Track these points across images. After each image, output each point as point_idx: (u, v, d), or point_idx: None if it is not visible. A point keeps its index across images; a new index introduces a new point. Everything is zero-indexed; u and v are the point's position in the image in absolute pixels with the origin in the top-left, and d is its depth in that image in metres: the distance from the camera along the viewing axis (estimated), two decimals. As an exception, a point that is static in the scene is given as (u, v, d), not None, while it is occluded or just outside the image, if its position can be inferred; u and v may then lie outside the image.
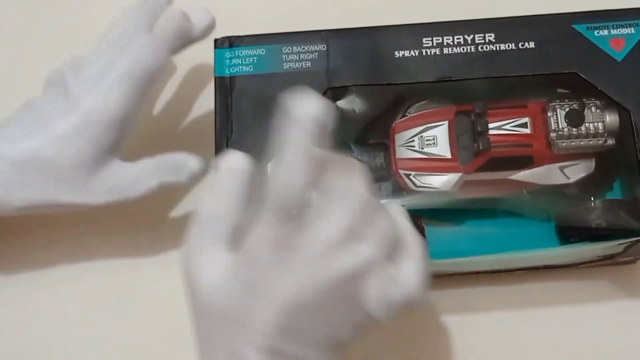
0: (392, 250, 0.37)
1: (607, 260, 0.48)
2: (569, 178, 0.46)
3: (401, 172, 0.47)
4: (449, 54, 0.45)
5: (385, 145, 0.47)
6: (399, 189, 0.48)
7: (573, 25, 0.45)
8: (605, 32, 0.45)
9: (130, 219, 0.54)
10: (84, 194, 0.45)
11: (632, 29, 0.45)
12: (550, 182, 0.46)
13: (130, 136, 0.46)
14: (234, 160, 0.39)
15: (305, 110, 0.34)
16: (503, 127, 0.46)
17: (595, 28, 0.45)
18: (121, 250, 0.54)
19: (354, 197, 0.36)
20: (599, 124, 0.44)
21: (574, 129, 0.44)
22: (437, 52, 0.45)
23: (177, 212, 0.52)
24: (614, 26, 0.45)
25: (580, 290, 0.51)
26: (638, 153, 0.43)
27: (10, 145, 0.44)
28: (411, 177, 0.47)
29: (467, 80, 0.45)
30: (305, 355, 0.36)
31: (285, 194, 0.34)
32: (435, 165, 0.47)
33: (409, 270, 0.37)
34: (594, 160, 0.46)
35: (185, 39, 0.46)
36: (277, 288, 0.35)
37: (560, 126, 0.45)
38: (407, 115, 0.48)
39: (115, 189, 0.45)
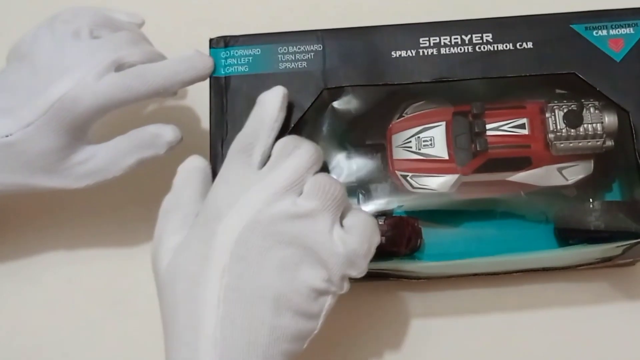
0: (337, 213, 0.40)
1: (606, 262, 0.48)
2: (567, 180, 0.46)
3: (398, 173, 0.47)
4: (446, 54, 0.45)
5: (382, 146, 0.47)
6: (396, 190, 0.47)
7: (571, 26, 0.45)
8: (604, 32, 0.45)
9: (126, 216, 0.54)
10: (61, 179, 0.45)
11: (632, 29, 0.45)
12: (548, 183, 0.46)
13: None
14: (190, 162, 0.43)
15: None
16: (501, 128, 0.45)
17: (594, 28, 0.45)
18: (116, 249, 0.54)
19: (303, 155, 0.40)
20: (598, 125, 0.44)
21: (572, 130, 0.44)
22: (435, 52, 0.45)
23: None
24: (613, 26, 0.45)
25: (579, 292, 0.51)
26: (637, 154, 0.43)
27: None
28: (408, 178, 0.47)
29: (464, 80, 0.45)
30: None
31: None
32: (433, 166, 0.46)
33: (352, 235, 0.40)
34: (592, 161, 0.46)
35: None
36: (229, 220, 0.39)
37: (558, 127, 0.44)
38: (404, 116, 0.48)
39: (93, 172, 0.46)
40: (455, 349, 0.51)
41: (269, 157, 0.41)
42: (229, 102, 0.46)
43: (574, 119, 0.44)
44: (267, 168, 0.41)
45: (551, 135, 0.44)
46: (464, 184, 0.46)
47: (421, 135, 0.47)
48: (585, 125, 0.44)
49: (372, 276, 0.42)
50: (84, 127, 0.45)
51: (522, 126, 0.45)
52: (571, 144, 0.44)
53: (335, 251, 0.39)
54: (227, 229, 0.39)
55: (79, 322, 0.53)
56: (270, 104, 0.43)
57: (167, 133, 0.45)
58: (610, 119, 0.44)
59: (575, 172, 0.46)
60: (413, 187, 0.47)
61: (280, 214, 0.39)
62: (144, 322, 0.50)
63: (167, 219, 0.42)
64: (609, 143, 0.44)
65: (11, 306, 0.53)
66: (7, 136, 0.43)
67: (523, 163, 0.45)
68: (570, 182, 0.46)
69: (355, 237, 0.40)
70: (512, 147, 0.45)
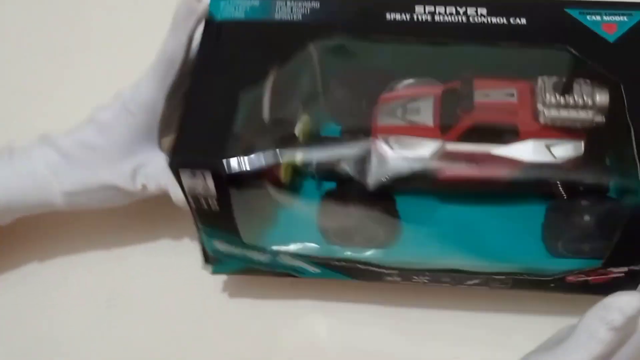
0: None
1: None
2: (555, 157, 0.44)
3: (380, 136, 0.45)
4: (440, 22, 0.45)
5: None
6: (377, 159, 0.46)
7: (565, 9, 0.45)
8: (598, 17, 0.45)
9: (123, 215, 0.53)
10: (122, 176, 0.47)
11: (625, 17, 0.45)
12: (535, 158, 0.44)
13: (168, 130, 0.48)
14: None
15: None
16: (489, 95, 0.44)
17: (588, 13, 0.45)
18: (113, 248, 0.54)
19: None
20: (588, 97, 0.43)
21: (561, 99, 0.43)
22: (429, 19, 0.45)
23: (172, 211, 0.49)
24: (606, 14, 0.45)
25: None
26: (630, 122, 0.41)
27: (63, 136, 0.48)
28: (389, 141, 0.45)
29: (458, 45, 0.44)
30: None
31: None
32: (416, 131, 0.45)
33: None
34: (583, 142, 0.44)
35: (197, 17, 0.46)
36: None
37: (547, 95, 0.43)
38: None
39: (144, 175, 0.48)
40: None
41: None
42: (220, 45, 0.46)
43: (564, 87, 0.43)
44: None
45: (539, 105, 0.43)
46: (448, 155, 0.44)
47: (408, 105, 0.46)
48: (575, 96, 0.43)
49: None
50: (151, 124, 0.47)
51: (511, 95, 0.44)
52: (560, 113, 0.43)
53: None
54: None
55: (78, 323, 0.53)
56: None
57: None
58: (602, 97, 0.43)
59: (564, 151, 0.44)
60: (394, 150, 0.45)
61: None
62: (141, 323, 0.52)
63: None
64: (600, 118, 0.43)
65: (9, 306, 0.53)
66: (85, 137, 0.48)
67: (510, 134, 0.44)
68: (558, 160, 0.44)
69: None
70: (499, 112, 0.44)
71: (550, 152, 0.44)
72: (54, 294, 0.54)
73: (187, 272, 0.52)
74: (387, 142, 0.45)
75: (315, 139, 0.48)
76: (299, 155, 0.45)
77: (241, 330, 0.52)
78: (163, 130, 0.48)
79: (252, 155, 0.41)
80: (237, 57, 0.45)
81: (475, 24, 0.45)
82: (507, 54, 0.45)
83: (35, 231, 0.54)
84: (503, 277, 0.46)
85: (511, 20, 0.45)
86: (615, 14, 0.45)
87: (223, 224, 0.44)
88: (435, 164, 0.44)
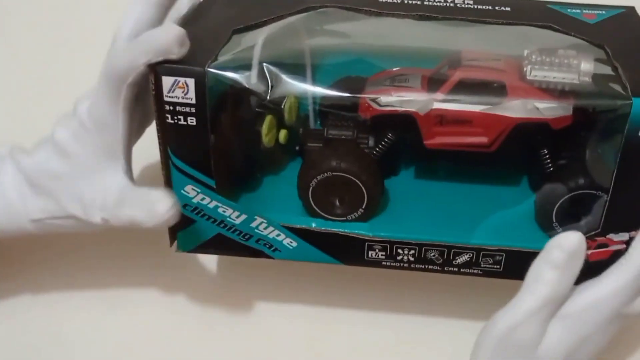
0: None
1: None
2: (544, 115, 0.43)
3: (367, 98, 0.44)
4: (428, 5, 0.47)
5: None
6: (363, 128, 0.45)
7: (548, 6, 0.48)
8: (578, 10, 0.47)
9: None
10: (84, 208, 0.44)
11: (603, 11, 0.47)
12: (524, 115, 0.43)
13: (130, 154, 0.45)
14: None
15: None
16: (476, 60, 0.45)
17: (569, 7, 0.47)
18: (115, 253, 0.54)
19: None
20: (574, 60, 0.43)
21: (547, 59, 0.43)
22: (418, 3, 0.47)
23: None
24: (586, 8, 0.47)
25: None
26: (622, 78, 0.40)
27: (25, 157, 0.45)
28: (376, 100, 0.44)
29: (448, 19, 0.46)
30: None
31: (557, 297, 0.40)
32: (405, 90, 0.44)
33: None
34: (572, 106, 0.43)
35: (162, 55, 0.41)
36: None
37: (534, 56, 0.43)
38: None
39: (103, 206, 0.43)
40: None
41: None
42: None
43: (549, 50, 0.43)
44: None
45: (526, 66, 0.43)
46: (435, 116, 0.44)
47: (396, 77, 0.46)
48: (560, 58, 0.43)
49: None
50: (110, 143, 0.43)
51: (498, 60, 0.45)
52: (546, 73, 0.43)
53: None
54: None
55: (78, 321, 0.53)
56: None
57: (162, 205, 0.42)
58: (586, 66, 0.43)
59: (553, 110, 0.43)
60: (380, 105, 0.44)
61: None
62: (143, 324, 0.53)
63: (546, 307, 0.40)
64: (586, 79, 0.43)
65: (11, 308, 0.54)
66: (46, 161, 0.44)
67: (498, 91, 0.43)
68: (547, 116, 0.43)
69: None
70: (487, 71, 0.43)
71: (539, 110, 0.43)
72: (55, 296, 0.54)
73: (188, 273, 0.53)
74: (374, 101, 0.44)
75: (301, 118, 0.48)
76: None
77: (242, 330, 0.52)
78: (128, 147, 0.44)
79: (236, 73, 0.41)
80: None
81: (462, 8, 0.47)
82: (493, 31, 0.46)
83: (38, 240, 0.52)
84: (495, 252, 0.43)
85: (496, 7, 0.47)
86: (594, 9, 0.47)
87: (198, 147, 0.41)
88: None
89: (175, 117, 0.41)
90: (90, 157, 0.43)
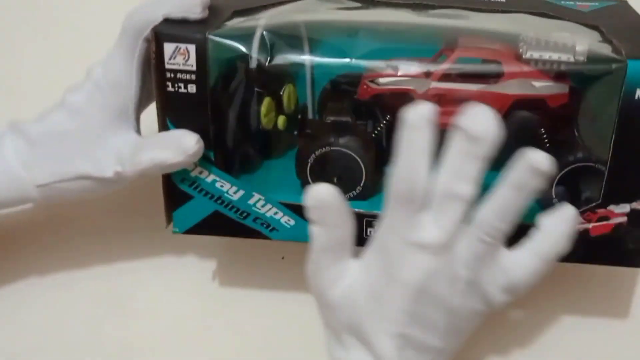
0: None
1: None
2: (540, 92, 0.43)
3: (365, 79, 0.45)
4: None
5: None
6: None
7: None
8: (572, 2, 0.48)
9: (126, 222, 0.54)
10: (96, 164, 0.44)
11: (596, 2, 0.48)
12: (520, 92, 0.43)
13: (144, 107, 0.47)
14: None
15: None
16: (472, 42, 0.45)
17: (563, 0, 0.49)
18: (117, 255, 0.54)
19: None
20: (569, 41, 0.44)
21: (542, 41, 0.44)
22: (415, -4, 0.49)
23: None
24: (579, 2, 0.49)
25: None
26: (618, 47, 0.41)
27: (32, 124, 0.46)
28: (375, 80, 0.45)
29: (444, 8, 0.47)
30: (428, 341, 0.41)
31: (407, 187, 0.39)
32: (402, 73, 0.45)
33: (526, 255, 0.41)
34: (568, 85, 0.44)
35: (183, 11, 0.43)
36: (404, 276, 0.40)
37: (529, 37, 0.44)
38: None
39: (119, 159, 0.44)
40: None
41: None
42: None
43: (545, 32, 0.44)
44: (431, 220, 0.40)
45: (522, 46, 0.44)
46: (434, 95, 0.44)
47: (392, 63, 0.47)
48: (556, 40, 0.44)
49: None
50: (123, 103, 0.44)
51: (494, 43, 0.45)
52: (542, 53, 0.43)
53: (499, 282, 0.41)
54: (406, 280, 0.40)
55: (79, 323, 0.53)
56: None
57: (188, 140, 0.42)
58: (580, 47, 0.44)
59: (550, 89, 0.43)
60: (379, 85, 0.44)
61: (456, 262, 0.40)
62: (144, 324, 0.53)
63: (322, 254, 0.41)
64: (581, 58, 0.43)
65: (13, 309, 0.54)
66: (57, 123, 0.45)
67: (495, 72, 0.44)
68: (543, 92, 0.43)
69: (521, 268, 0.41)
70: (483, 51, 0.44)
71: (535, 88, 0.44)
72: (57, 303, 0.53)
73: (189, 273, 0.53)
74: (372, 81, 0.45)
75: (299, 107, 0.49)
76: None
77: (243, 329, 0.52)
78: (139, 109, 0.45)
79: (237, 41, 0.41)
80: None
81: (458, -1, 0.48)
82: (489, 18, 0.47)
83: (37, 234, 0.54)
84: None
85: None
86: (587, 0, 0.49)
87: (197, 117, 0.42)
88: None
89: (176, 85, 0.41)
90: (104, 117, 0.44)
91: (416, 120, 0.38)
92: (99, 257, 0.54)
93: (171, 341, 0.52)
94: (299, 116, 0.48)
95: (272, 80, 0.46)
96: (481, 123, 0.38)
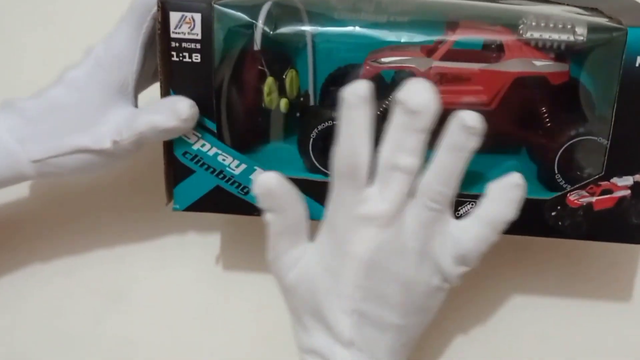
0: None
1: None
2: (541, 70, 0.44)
3: (368, 61, 0.45)
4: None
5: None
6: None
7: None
8: (570, -7, 0.49)
9: (126, 212, 0.54)
10: (94, 136, 0.44)
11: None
12: (520, 69, 0.43)
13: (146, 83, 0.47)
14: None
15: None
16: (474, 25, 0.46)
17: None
18: (117, 245, 0.54)
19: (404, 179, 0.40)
20: (568, 23, 0.44)
21: (542, 22, 0.44)
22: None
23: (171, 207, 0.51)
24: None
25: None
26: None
27: (28, 100, 0.46)
28: (377, 60, 0.45)
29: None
30: (386, 317, 0.41)
31: (350, 163, 0.40)
32: (404, 52, 0.45)
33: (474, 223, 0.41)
34: (569, 65, 0.44)
35: None
36: (354, 250, 0.40)
37: (528, 19, 0.45)
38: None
39: (116, 130, 0.44)
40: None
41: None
42: None
43: (544, 14, 0.45)
44: (376, 194, 0.40)
45: (522, 28, 0.44)
46: (435, 74, 0.44)
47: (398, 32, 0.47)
48: (555, 21, 0.45)
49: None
50: (123, 79, 0.44)
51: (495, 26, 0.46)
52: (542, 33, 0.44)
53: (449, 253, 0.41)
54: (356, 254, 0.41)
55: (79, 317, 0.53)
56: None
57: (182, 104, 0.42)
58: (579, 29, 0.45)
59: (549, 67, 0.44)
60: (381, 63, 0.45)
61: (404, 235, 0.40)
62: (144, 317, 0.53)
63: (278, 239, 0.43)
64: (581, 38, 0.44)
65: (13, 304, 0.54)
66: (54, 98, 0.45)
67: (496, 51, 0.44)
68: (542, 70, 0.43)
69: (469, 236, 0.41)
70: (484, 31, 0.45)
71: (536, 66, 0.44)
72: (57, 292, 0.53)
73: (189, 269, 0.53)
74: (375, 61, 0.45)
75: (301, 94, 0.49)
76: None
77: (244, 325, 0.52)
78: (138, 87, 0.45)
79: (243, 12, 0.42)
80: None
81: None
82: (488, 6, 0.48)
83: (38, 230, 0.54)
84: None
85: (488, -8, 0.49)
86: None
87: (201, 87, 0.42)
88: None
89: (181, 55, 0.42)
90: (103, 92, 0.44)
91: (353, 99, 0.39)
92: (97, 248, 0.54)
93: (170, 332, 0.52)
94: (301, 99, 0.48)
95: (275, 61, 0.47)
96: (419, 96, 0.39)
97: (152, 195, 0.48)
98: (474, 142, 0.39)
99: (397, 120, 0.40)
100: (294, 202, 0.42)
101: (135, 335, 0.53)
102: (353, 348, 0.41)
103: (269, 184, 0.41)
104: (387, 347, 0.42)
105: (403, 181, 0.40)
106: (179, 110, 0.41)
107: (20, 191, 0.53)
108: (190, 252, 0.54)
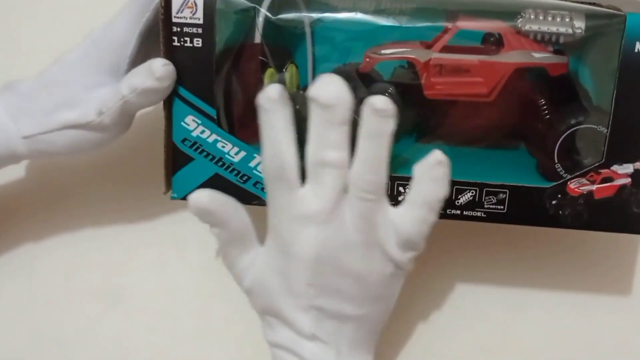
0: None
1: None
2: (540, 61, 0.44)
3: (368, 53, 0.46)
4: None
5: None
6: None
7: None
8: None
9: (127, 212, 0.54)
10: (81, 111, 0.44)
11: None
12: (520, 60, 0.44)
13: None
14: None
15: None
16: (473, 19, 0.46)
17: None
18: (116, 245, 0.54)
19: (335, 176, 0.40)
20: (567, 17, 0.45)
21: (540, 16, 0.45)
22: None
23: (171, 206, 0.52)
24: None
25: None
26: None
27: (25, 80, 0.47)
28: (377, 52, 0.45)
29: None
30: (344, 310, 0.41)
31: (277, 165, 0.40)
32: (403, 44, 0.46)
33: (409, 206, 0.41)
34: (567, 58, 0.44)
35: None
36: (298, 251, 0.41)
37: (527, 13, 0.45)
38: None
39: (102, 102, 0.44)
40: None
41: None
42: None
43: (543, 9, 0.45)
44: (310, 193, 0.41)
45: (520, 20, 0.45)
46: (434, 66, 0.44)
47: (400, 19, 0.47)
48: (553, 15, 0.45)
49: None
50: (117, 61, 0.45)
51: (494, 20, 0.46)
52: (541, 25, 0.44)
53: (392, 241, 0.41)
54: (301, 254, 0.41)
55: (77, 318, 0.53)
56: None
57: (157, 63, 0.42)
58: (578, 23, 0.45)
59: (548, 59, 0.44)
60: (381, 54, 0.45)
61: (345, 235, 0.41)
62: (143, 317, 0.53)
63: (228, 249, 0.44)
64: (579, 31, 0.44)
65: (9, 302, 0.54)
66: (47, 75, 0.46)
67: (494, 44, 0.44)
68: (541, 61, 0.44)
69: (408, 220, 0.41)
70: (483, 23, 0.45)
71: (535, 57, 0.44)
72: (57, 291, 0.53)
73: (189, 269, 0.53)
74: (375, 52, 0.45)
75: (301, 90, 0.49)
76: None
77: (244, 325, 0.51)
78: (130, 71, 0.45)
79: None
80: None
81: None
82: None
83: (37, 230, 0.54)
84: (498, 188, 0.42)
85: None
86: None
87: (202, 72, 0.42)
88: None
89: (182, 39, 0.42)
90: (95, 72, 0.44)
91: (267, 104, 0.40)
92: (98, 249, 0.53)
93: (168, 332, 0.52)
94: (301, 92, 0.48)
95: (275, 54, 0.47)
96: (329, 90, 0.39)
97: (152, 195, 0.48)
98: (389, 125, 0.39)
99: (315, 117, 0.40)
100: (233, 212, 0.42)
101: (134, 336, 0.52)
102: (317, 341, 0.42)
103: (200, 203, 0.42)
104: (350, 337, 0.42)
105: (333, 176, 0.40)
106: (152, 69, 0.42)
107: (19, 191, 0.54)
108: (190, 252, 0.53)
